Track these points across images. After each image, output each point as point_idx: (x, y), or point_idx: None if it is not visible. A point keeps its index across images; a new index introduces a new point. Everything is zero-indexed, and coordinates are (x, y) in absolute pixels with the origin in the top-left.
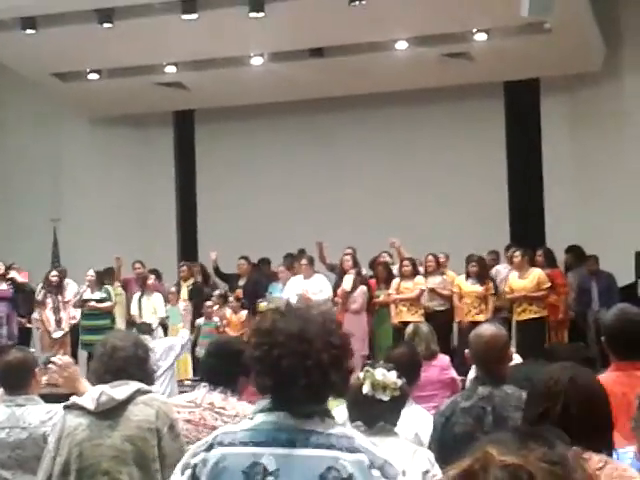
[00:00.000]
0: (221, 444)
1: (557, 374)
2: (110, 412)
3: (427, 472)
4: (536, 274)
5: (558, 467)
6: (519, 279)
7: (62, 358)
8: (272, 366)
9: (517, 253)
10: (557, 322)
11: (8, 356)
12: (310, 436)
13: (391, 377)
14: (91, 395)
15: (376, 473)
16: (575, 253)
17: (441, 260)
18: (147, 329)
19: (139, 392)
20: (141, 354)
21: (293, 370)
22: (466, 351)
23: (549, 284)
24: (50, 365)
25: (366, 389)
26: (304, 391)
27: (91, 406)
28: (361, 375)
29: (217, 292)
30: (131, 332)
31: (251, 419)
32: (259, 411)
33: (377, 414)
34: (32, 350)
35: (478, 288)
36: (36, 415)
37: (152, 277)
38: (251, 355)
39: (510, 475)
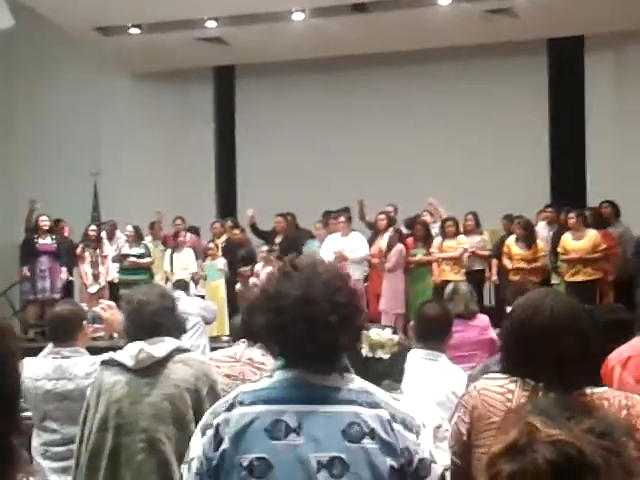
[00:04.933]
0: (242, 403)
1: (539, 302)
2: (148, 370)
3: (439, 427)
4: (592, 235)
5: (607, 439)
6: (574, 240)
7: (105, 301)
8: (279, 333)
9: (572, 214)
10: (606, 284)
11: (57, 308)
12: (330, 392)
13: (386, 335)
14: (129, 352)
15: (398, 427)
16: (613, 207)
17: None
18: (183, 285)
19: (177, 350)
20: (169, 304)
21: (300, 336)
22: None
23: (605, 246)
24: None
25: (365, 351)
26: (313, 356)
27: (130, 363)
28: None
29: (265, 247)
30: (153, 284)
31: (270, 377)
32: (278, 368)
33: (380, 373)
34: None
35: (526, 251)
36: (82, 367)
37: (186, 234)
38: (259, 322)
39: (559, 453)
